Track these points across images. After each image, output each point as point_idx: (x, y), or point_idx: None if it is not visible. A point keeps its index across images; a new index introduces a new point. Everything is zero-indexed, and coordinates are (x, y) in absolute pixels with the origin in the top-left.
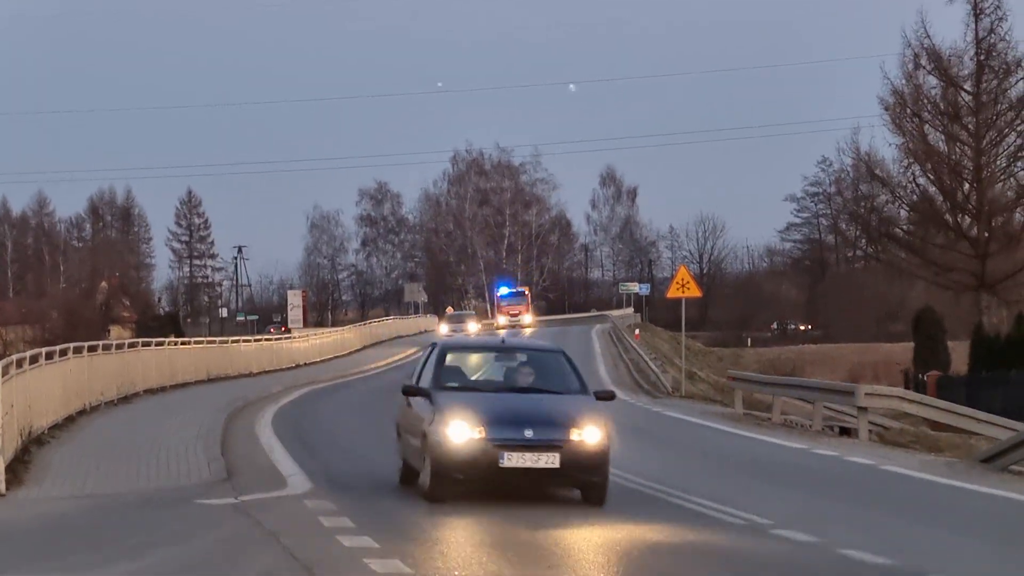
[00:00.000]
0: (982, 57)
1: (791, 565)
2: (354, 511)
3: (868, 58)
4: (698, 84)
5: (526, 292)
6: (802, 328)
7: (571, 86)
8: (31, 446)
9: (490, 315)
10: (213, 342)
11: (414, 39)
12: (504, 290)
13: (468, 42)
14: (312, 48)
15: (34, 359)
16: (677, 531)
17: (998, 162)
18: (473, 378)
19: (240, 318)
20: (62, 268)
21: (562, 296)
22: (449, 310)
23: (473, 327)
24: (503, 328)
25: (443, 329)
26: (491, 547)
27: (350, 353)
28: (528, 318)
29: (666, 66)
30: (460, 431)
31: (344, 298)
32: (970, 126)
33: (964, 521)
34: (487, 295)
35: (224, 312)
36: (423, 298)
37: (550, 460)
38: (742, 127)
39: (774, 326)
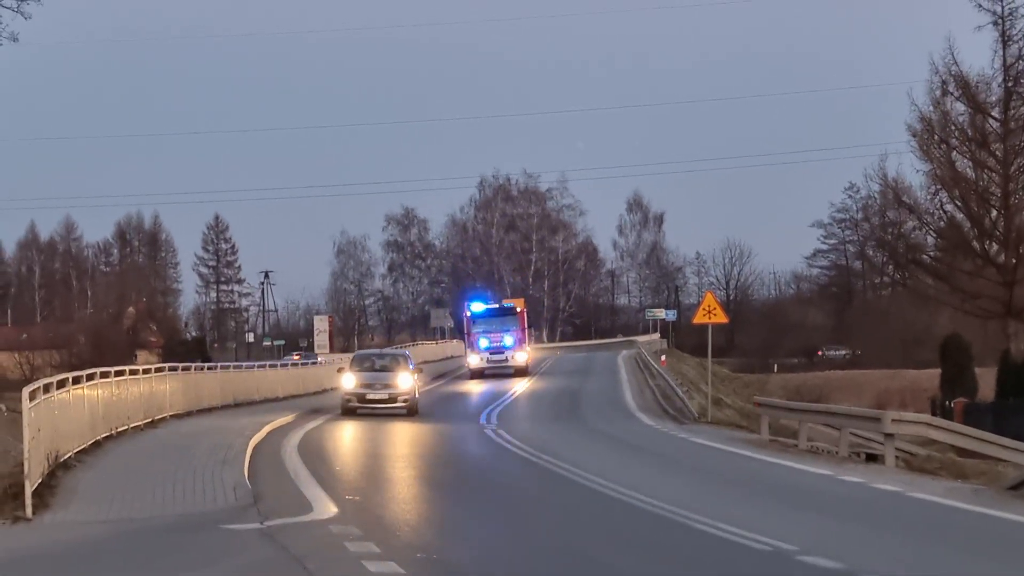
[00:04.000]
0: (1010, 84)
1: None
2: (379, 536)
3: (896, 85)
4: (724, 110)
5: (517, 309)
6: (843, 353)
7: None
8: (58, 471)
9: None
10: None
11: (441, 65)
12: (478, 307)
13: (495, 68)
14: (339, 74)
15: (61, 384)
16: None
17: None
18: None
19: (267, 343)
20: (89, 293)
21: (588, 322)
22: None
23: (406, 382)
24: (478, 373)
25: (347, 383)
26: (518, 572)
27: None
28: (523, 356)
29: (692, 92)
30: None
31: (371, 323)
32: (998, 153)
33: (991, 548)
34: None
35: (251, 337)
36: (449, 324)
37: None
38: (769, 153)
39: (822, 352)
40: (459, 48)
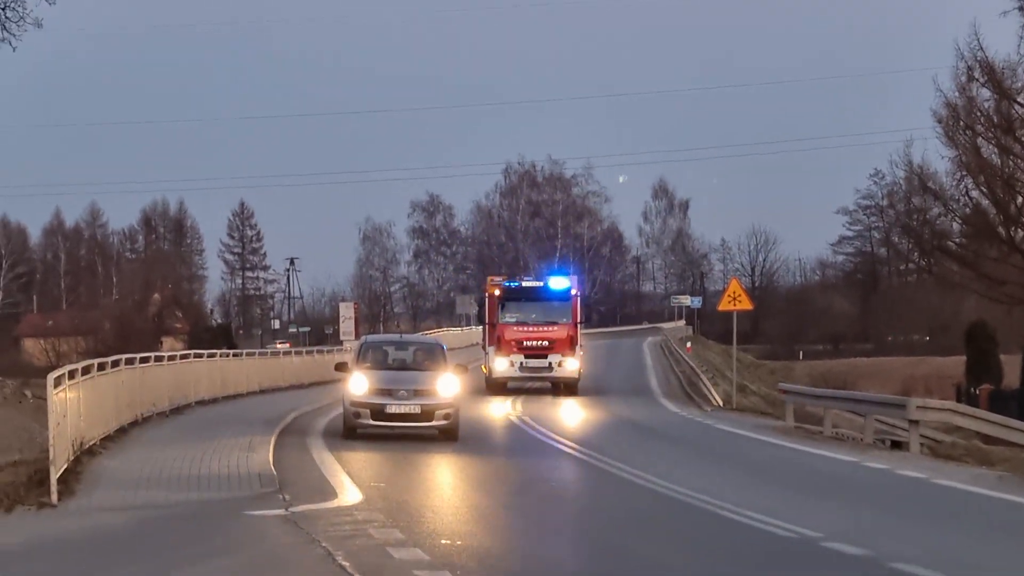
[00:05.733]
0: None
1: None
2: (404, 524)
3: (921, 71)
4: (750, 95)
5: (572, 292)
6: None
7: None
8: (83, 457)
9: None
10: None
11: (466, 51)
12: (512, 285)
13: (520, 53)
14: (363, 59)
15: (86, 370)
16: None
17: None
18: None
19: (292, 330)
20: (115, 280)
21: (614, 309)
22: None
23: (448, 388)
24: (499, 385)
25: (356, 387)
26: (544, 558)
27: None
28: (574, 364)
29: (718, 78)
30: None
31: (396, 310)
32: (1023, 139)
33: (1017, 536)
34: None
35: (276, 324)
36: (474, 310)
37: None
38: (794, 139)
39: (891, 338)
40: (483, 34)
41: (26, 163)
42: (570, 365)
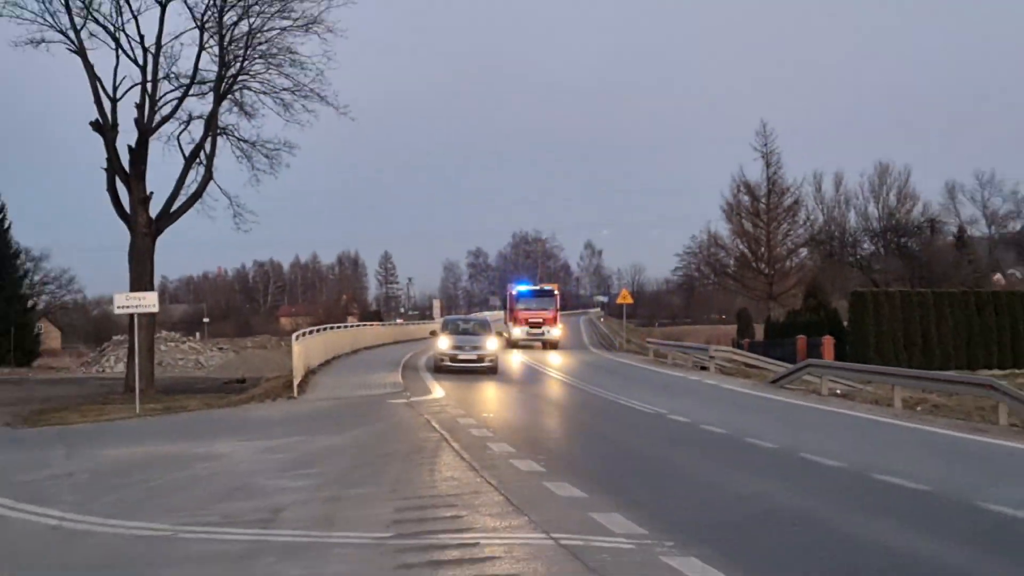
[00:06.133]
0: (770, 186)
1: (678, 432)
2: (465, 408)
3: (714, 184)
4: (628, 192)
5: (555, 291)
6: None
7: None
8: (308, 375)
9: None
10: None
11: (486, 166)
12: (522, 288)
13: (514, 146)
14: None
15: (310, 333)
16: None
17: (778, 236)
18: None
19: (410, 313)
20: (324, 290)
21: (565, 304)
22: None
23: (492, 344)
24: (519, 344)
25: (441, 345)
26: (538, 424)
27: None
28: (557, 332)
29: (610, 182)
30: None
31: (460, 303)
32: (764, 219)
33: (761, 411)
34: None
35: (402, 310)
36: (499, 303)
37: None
38: (653, 217)
39: (722, 316)
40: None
41: (277, 226)
42: (555, 332)
